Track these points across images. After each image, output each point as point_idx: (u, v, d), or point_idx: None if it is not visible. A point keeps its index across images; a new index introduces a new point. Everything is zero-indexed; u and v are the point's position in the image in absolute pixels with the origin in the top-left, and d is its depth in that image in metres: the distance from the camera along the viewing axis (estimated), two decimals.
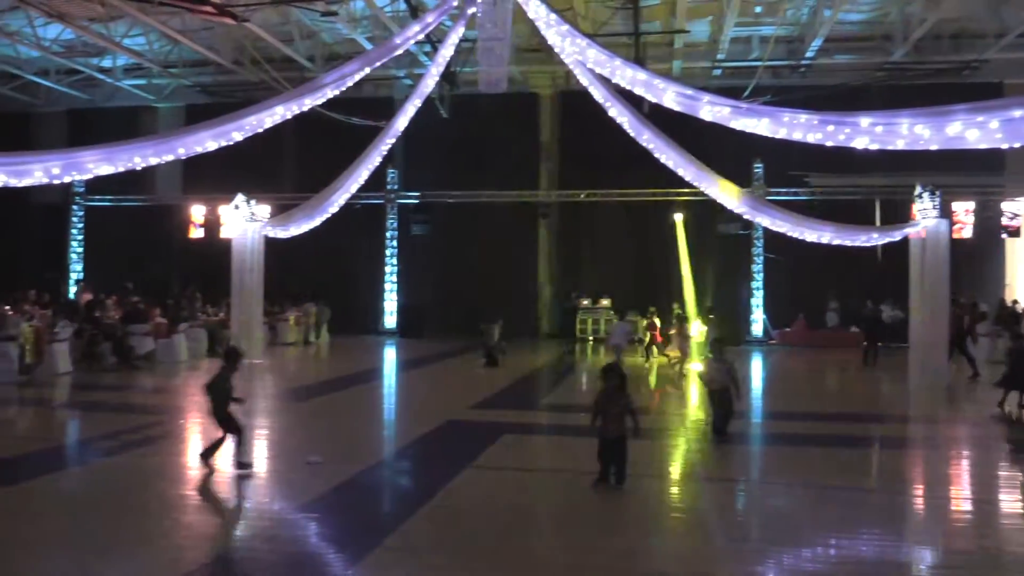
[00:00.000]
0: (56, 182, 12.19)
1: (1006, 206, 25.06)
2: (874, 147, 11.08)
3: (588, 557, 6.25)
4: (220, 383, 8.81)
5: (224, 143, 13.65)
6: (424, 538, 6.71)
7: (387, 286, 29.42)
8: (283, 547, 6.44)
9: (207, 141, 13.34)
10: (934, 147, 10.16)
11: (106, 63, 27.87)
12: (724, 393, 10.53)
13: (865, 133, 10.83)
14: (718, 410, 10.63)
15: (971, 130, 9.56)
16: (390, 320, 29.30)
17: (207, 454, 8.88)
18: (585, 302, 28.01)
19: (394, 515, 7.60)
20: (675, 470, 9.66)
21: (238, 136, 13.79)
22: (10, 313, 16.70)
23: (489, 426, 11.91)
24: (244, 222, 19.66)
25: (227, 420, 8.77)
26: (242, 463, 8.72)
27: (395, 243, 29.52)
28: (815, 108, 12.11)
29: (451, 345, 24.44)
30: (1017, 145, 9.38)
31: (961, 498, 8.70)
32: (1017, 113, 9.05)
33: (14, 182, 10.75)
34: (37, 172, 10.94)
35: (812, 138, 11.56)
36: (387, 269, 29.44)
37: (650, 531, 6.96)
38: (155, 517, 7.12)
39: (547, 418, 13.41)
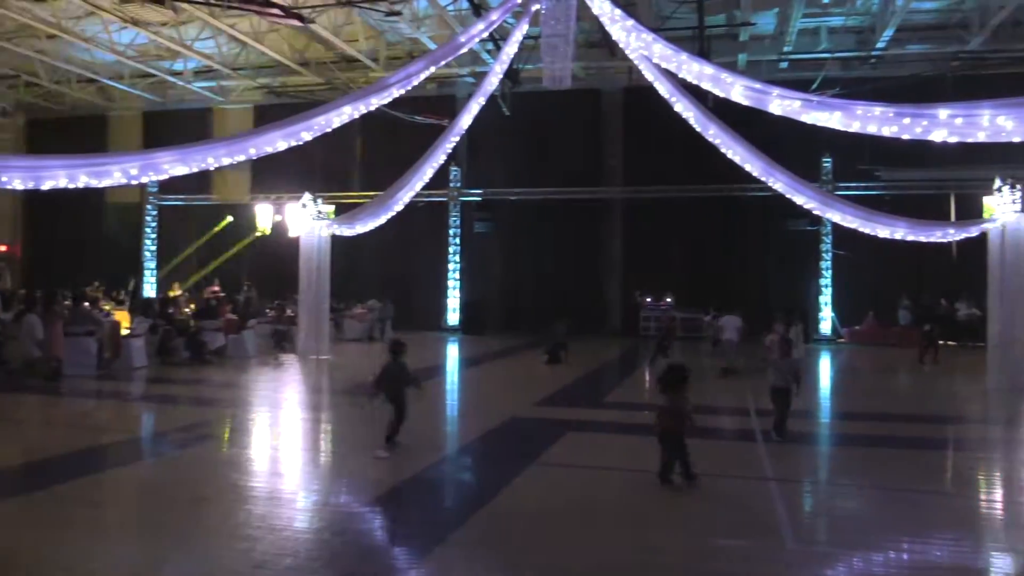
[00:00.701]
0: (133, 182, 12.56)
1: None
2: (953, 140, 10.71)
3: (654, 557, 6.19)
4: (394, 371, 9.64)
5: (293, 143, 13.90)
6: (489, 535, 6.72)
7: (450, 283, 29.61)
8: (352, 540, 6.53)
9: (277, 141, 13.59)
10: (1016, 139, 9.77)
11: (177, 66, 28.68)
12: (784, 392, 10.25)
13: (944, 125, 10.47)
14: (782, 410, 10.33)
15: None
16: (453, 317, 29.48)
17: (390, 437, 9.54)
18: (648, 300, 27.74)
19: (459, 511, 7.64)
20: (741, 469, 9.49)
21: (307, 136, 14.03)
22: (90, 309, 17.31)
23: (553, 423, 11.89)
24: (311, 220, 20.00)
25: (401, 403, 9.59)
26: (390, 438, 9.50)
27: (458, 240, 29.70)
28: (885, 100, 11.77)
29: (513, 342, 24.49)
30: None
31: None
32: None
33: (94, 183, 11.13)
34: (116, 173, 11.30)
35: (887, 131, 11.21)
36: (450, 266, 29.63)
37: (716, 531, 6.85)
38: (228, 508, 7.29)
39: (611, 416, 13.32)
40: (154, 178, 13.36)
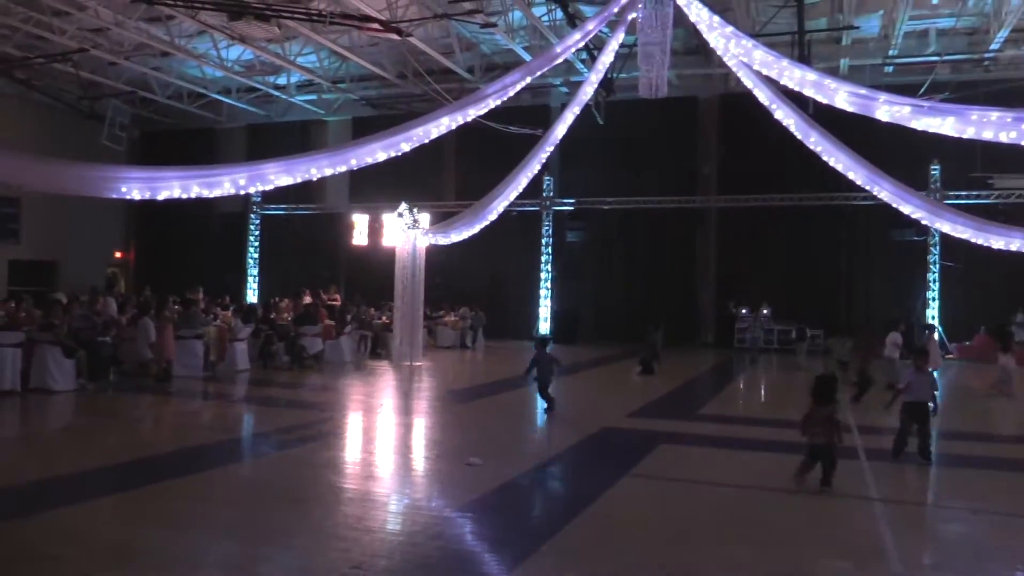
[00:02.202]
0: (241, 192, 13.08)
1: None
2: None
3: (748, 574, 6.03)
4: (543, 359, 12.75)
5: (392, 154, 14.19)
6: (581, 546, 6.68)
7: (542, 292, 29.67)
8: (445, 544, 6.59)
9: (377, 152, 13.91)
10: None
11: (281, 80, 29.75)
12: (923, 408, 9.74)
13: None
14: (923, 428, 9.78)
15: None
16: (544, 326, 29.52)
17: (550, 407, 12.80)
18: (744, 311, 27.13)
19: (551, 520, 7.61)
20: (849, 487, 9.15)
21: (406, 147, 14.30)
22: (198, 313, 18.07)
23: (646, 435, 11.74)
24: (407, 229, 20.38)
25: (547, 395, 12.88)
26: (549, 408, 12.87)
27: (550, 250, 29.73)
28: (1001, 104, 11.21)
29: (606, 352, 24.34)
30: None
31: None
32: None
33: (206, 192, 11.63)
34: (226, 183, 11.79)
35: (1005, 137, 10.67)
36: (542, 275, 29.69)
37: (817, 551, 6.62)
38: (325, 509, 7.47)
39: (705, 428, 13.07)
40: (260, 188, 13.85)
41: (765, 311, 26.42)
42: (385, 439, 11.71)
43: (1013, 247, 16.44)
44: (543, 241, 29.75)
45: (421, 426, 12.62)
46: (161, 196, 11.11)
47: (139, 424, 12.48)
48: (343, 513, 7.40)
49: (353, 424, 12.88)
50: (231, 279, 31.59)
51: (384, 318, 23.67)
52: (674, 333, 24.30)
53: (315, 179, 14.54)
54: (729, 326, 27.49)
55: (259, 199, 32.77)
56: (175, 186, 11.09)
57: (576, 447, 10.93)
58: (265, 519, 7.11)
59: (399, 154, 14.40)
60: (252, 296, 32.39)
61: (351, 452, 10.70)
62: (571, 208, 29.45)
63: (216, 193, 12.00)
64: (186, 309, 17.93)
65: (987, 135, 10.83)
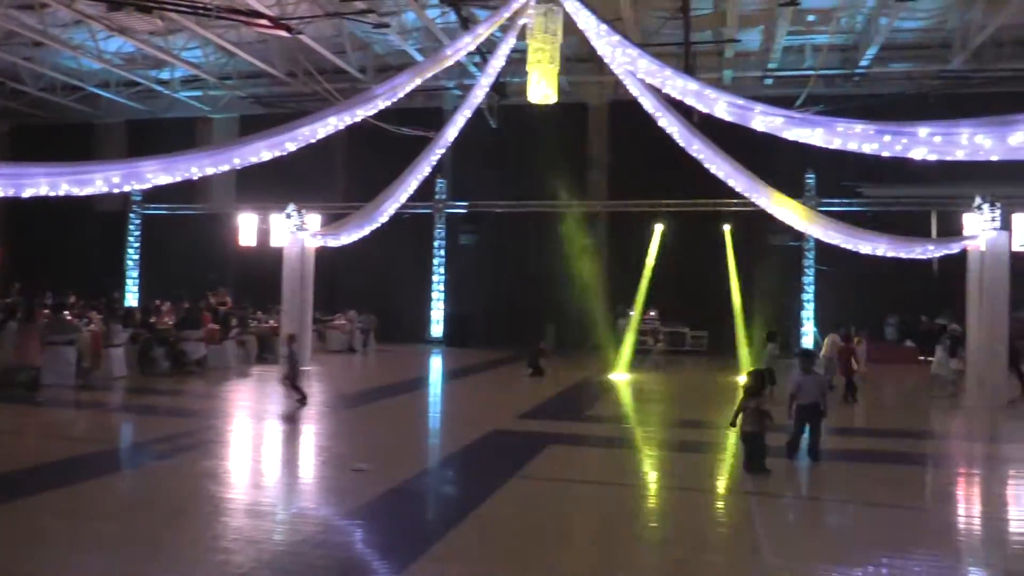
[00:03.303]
0: (116, 191, 12.50)
1: None
2: (932, 158, 10.83)
3: (628, 572, 6.19)
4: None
5: (278, 153, 13.88)
6: (467, 549, 6.70)
7: (434, 295, 29.58)
8: (330, 552, 6.49)
9: (262, 151, 13.57)
10: (994, 158, 9.90)
11: (164, 75, 28.64)
12: (813, 409, 9.96)
13: (923, 143, 10.60)
14: (814, 429, 10.00)
15: None
16: (437, 329, 29.45)
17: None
18: (632, 313, 27.78)
19: (440, 524, 7.61)
20: (721, 484, 9.50)
21: (291, 146, 14.00)
22: (69, 318, 17.17)
23: (534, 436, 11.87)
24: (295, 231, 19.95)
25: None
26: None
27: (443, 252, 29.68)
28: (870, 118, 11.90)
29: (497, 355, 24.46)
30: None
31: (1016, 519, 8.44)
32: None
33: (76, 191, 11.06)
34: (98, 181, 11.24)
35: (868, 148, 11.33)
36: (434, 278, 29.61)
37: (696, 546, 6.84)
38: (205, 520, 7.23)
39: (592, 429, 13.32)
40: (137, 187, 13.31)
41: (652, 313, 27.14)
42: (270, 447, 11.43)
43: (879, 252, 17.48)
44: (436, 244, 29.67)
45: (307, 433, 12.37)
46: (26, 194, 10.51)
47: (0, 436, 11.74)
48: (225, 525, 7.18)
49: (237, 432, 12.48)
50: (110, 282, 30.15)
51: (272, 322, 23.08)
52: (565, 336, 24.65)
53: (196, 178, 14.06)
54: (618, 329, 28.05)
55: (140, 198, 31.42)
56: (42, 183, 10.51)
57: (465, 450, 10.94)
58: (142, 534, 6.82)
59: (285, 154, 14.08)
60: (132, 299, 31.01)
61: (234, 461, 10.38)
62: (464, 211, 29.48)
63: (88, 191, 11.43)
64: (55, 313, 16.98)
65: (852, 146, 11.49)
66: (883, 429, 13.65)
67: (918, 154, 10.88)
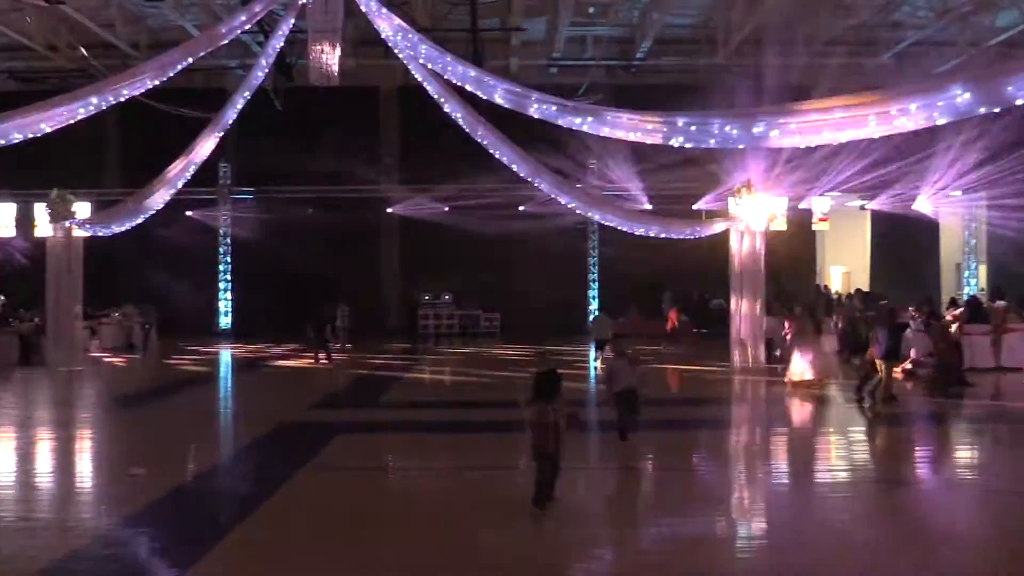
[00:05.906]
0: None
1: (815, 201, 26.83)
2: (689, 145, 11.72)
3: (426, 555, 6.28)
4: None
5: (31, 136, 12.71)
6: (256, 542, 6.57)
7: (220, 285, 28.32)
8: (104, 565, 6.16)
9: (12, 133, 12.38)
10: (741, 146, 10.88)
11: None
12: (630, 394, 9.77)
13: (680, 132, 11.43)
14: (625, 414, 9.75)
15: (774, 131, 10.31)
16: (225, 320, 28.26)
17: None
18: (427, 297, 28.10)
19: (224, 521, 7.35)
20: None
21: (47, 128, 12.88)
22: None
23: (324, 426, 11.76)
24: (59, 220, 18.33)
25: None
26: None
27: (228, 240, 28.43)
28: (650, 107, 12.60)
29: (287, 345, 23.84)
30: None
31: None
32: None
33: None
34: None
35: (633, 137, 12.08)
36: (220, 268, 28.32)
37: (486, 522, 7.04)
38: None
39: (385, 415, 13.36)
40: None
41: (447, 296, 27.55)
42: (39, 457, 10.53)
43: (652, 234, 18.74)
44: (221, 231, 28.35)
45: (79, 439, 11.51)
46: None
47: None
48: None
49: None
50: None
51: (37, 320, 21.13)
52: (359, 322, 24.41)
53: None
54: (413, 312, 28.28)
55: None
56: None
57: (252, 445, 10.70)
58: None
59: (42, 135, 12.94)
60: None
61: None
62: (250, 197, 28.37)
63: None
64: None
65: (619, 134, 12.23)
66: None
67: (676, 141, 11.71)
